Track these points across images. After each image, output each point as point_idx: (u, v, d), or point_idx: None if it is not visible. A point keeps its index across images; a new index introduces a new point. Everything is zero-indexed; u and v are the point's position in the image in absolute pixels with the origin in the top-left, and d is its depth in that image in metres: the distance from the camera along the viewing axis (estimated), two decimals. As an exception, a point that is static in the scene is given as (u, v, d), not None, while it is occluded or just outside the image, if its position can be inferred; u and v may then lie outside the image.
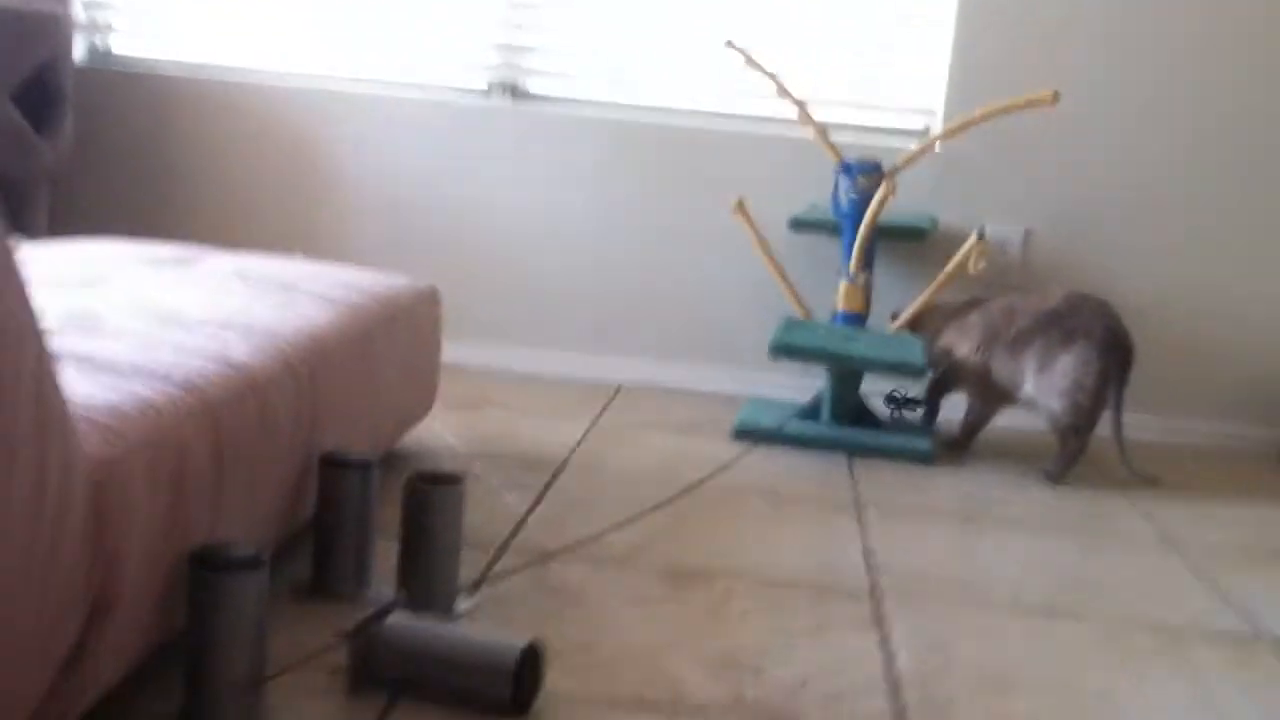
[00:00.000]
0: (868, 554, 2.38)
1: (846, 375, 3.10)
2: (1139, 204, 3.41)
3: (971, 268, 3.07)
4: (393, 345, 2.34)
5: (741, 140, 3.46)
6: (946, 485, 2.89)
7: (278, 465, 1.78)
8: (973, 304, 3.12)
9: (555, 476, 2.65)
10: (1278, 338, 3.43)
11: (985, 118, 3.06)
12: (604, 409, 3.25)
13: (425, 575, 1.88)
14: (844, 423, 3.12)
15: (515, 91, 3.54)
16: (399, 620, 1.65)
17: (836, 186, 3.19)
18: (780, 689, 1.78)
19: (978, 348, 3.05)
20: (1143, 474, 2.98)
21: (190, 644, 1.47)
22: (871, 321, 3.20)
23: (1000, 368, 3.03)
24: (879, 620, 2.07)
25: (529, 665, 1.62)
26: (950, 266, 3.10)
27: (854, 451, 3.02)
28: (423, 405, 2.61)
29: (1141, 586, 2.36)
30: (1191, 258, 3.41)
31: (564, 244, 3.52)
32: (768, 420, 3.12)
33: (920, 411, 3.29)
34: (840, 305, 3.17)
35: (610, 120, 3.49)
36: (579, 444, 2.91)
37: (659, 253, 3.51)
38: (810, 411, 3.16)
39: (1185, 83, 3.36)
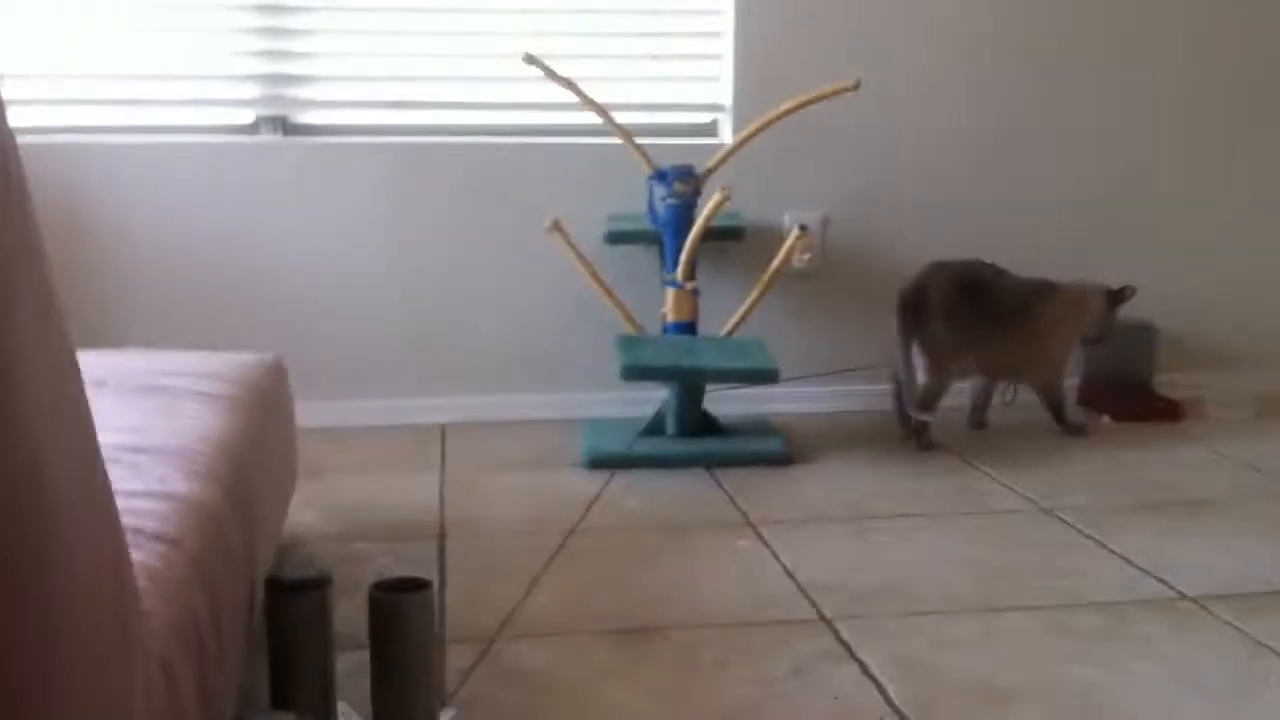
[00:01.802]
0: (792, 575, 2.32)
1: (691, 387, 3.03)
2: (928, 185, 3.47)
3: (796, 260, 3.06)
4: (271, 433, 2.12)
5: (534, 154, 3.32)
6: (815, 486, 2.86)
7: (242, 605, 1.56)
8: None
9: (441, 543, 2.48)
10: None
11: (793, 110, 3.04)
12: (443, 455, 3.07)
13: (400, 694, 1.69)
14: (691, 434, 3.06)
15: (285, 125, 3.28)
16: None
17: (651, 194, 3.11)
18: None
19: None
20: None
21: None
22: (701, 329, 3.13)
23: None
24: (846, 647, 2.02)
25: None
26: (776, 262, 3.08)
27: (710, 464, 2.96)
28: (292, 488, 2.38)
29: (1054, 564, 2.39)
30: (977, 235, 3.47)
31: (364, 284, 3.30)
32: (614, 444, 3.02)
33: None
34: (671, 315, 3.09)
35: (396, 146, 3.29)
36: (441, 501, 2.73)
37: (467, 281, 3.34)
38: (654, 428, 3.08)
39: (963, 70, 3.45)
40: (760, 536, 2.52)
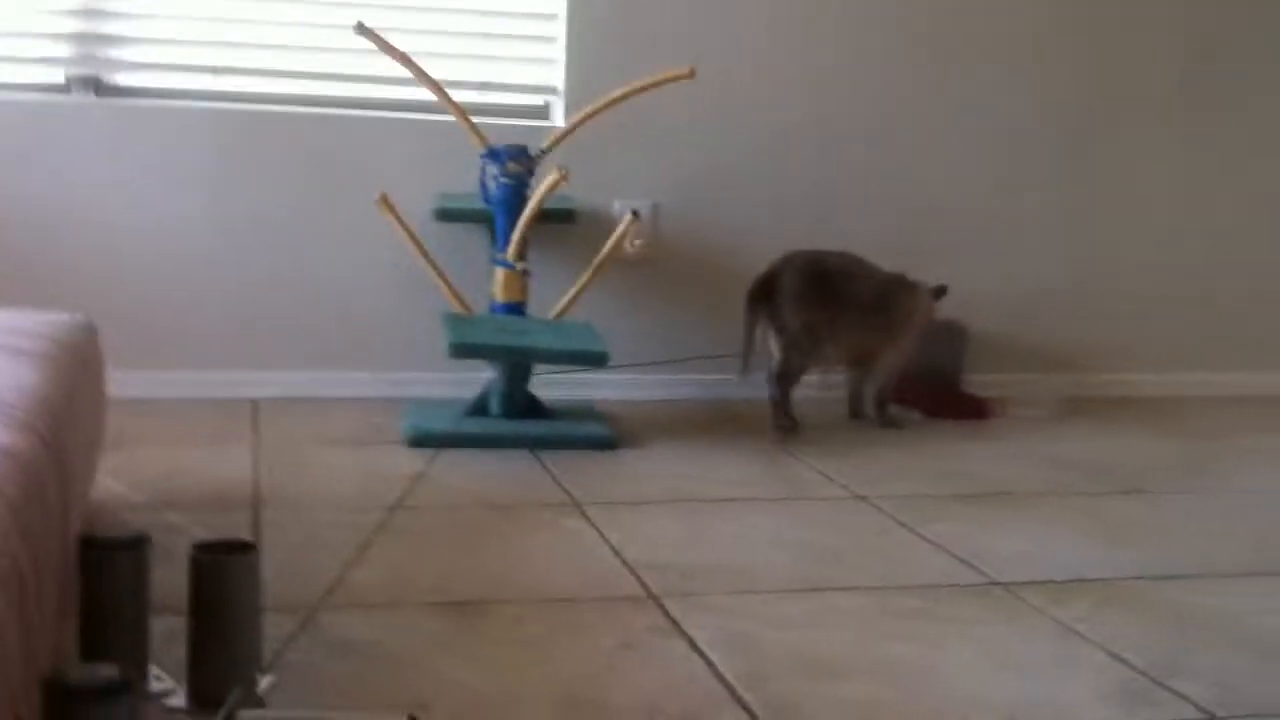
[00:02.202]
0: (618, 554, 2.31)
1: (518, 368, 3.01)
2: (762, 175, 3.51)
3: (628, 247, 3.06)
4: (83, 391, 2.02)
5: (364, 127, 3.26)
6: (640, 470, 2.87)
7: (59, 558, 1.48)
8: None
9: (257, 514, 2.40)
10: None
11: (627, 95, 3.04)
12: (259, 430, 2.98)
13: (220, 659, 1.62)
14: (517, 416, 3.03)
15: (99, 86, 3.14)
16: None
17: (483, 172, 3.07)
18: None
19: None
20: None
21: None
22: (531, 311, 3.11)
23: None
24: (675, 624, 2.02)
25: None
26: (607, 247, 3.07)
27: (535, 445, 2.94)
28: (101, 450, 2.27)
29: (873, 549, 2.44)
30: (806, 226, 3.53)
31: (180, 253, 3.18)
32: (437, 423, 2.97)
33: None
34: (500, 295, 3.06)
35: (219, 112, 3.18)
36: (259, 474, 2.65)
37: (290, 254, 3.25)
38: (478, 408, 3.05)
39: (797, 56, 3.50)
40: (586, 517, 2.51)
